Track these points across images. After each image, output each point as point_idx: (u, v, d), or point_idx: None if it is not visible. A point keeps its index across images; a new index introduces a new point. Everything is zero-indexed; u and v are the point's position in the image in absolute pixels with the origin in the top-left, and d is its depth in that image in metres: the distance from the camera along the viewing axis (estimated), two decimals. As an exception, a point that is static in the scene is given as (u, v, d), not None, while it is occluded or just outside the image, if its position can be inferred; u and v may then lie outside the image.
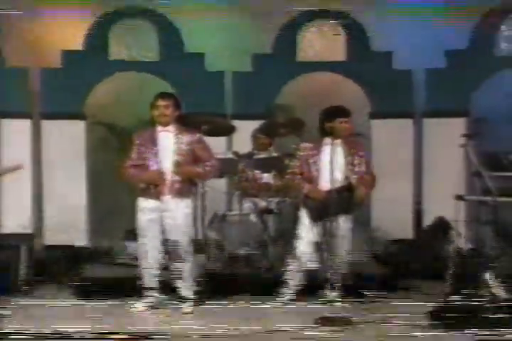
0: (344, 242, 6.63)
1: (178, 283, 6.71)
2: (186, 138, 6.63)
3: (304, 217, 6.70)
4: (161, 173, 6.52)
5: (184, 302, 6.67)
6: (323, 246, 6.71)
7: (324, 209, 6.53)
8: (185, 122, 7.93)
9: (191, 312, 6.59)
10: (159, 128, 6.64)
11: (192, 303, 6.67)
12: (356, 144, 6.78)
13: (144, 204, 6.60)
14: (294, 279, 6.80)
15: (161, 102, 6.59)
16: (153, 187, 6.54)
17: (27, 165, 8.13)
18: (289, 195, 7.76)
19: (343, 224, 6.60)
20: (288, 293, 6.82)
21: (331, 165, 6.46)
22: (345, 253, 6.65)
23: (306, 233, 6.70)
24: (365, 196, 6.75)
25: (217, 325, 6.08)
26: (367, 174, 6.70)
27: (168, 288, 6.76)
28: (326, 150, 6.62)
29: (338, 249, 6.59)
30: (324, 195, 6.57)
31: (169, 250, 6.70)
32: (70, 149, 8.76)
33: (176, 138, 6.61)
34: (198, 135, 6.78)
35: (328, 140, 6.63)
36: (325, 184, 6.60)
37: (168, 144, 6.61)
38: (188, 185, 6.65)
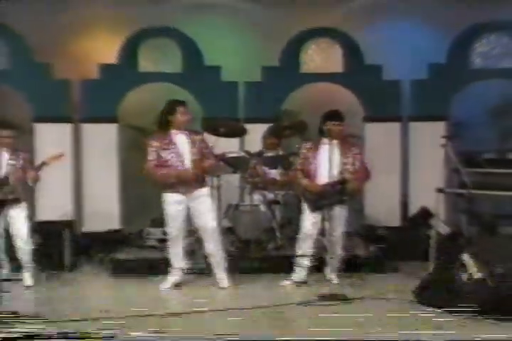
0: (339, 228, 6.64)
1: (212, 262, 6.75)
2: (196, 138, 6.67)
3: (305, 208, 6.72)
4: (188, 170, 6.54)
5: (220, 279, 6.72)
6: (323, 233, 6.73)
7: (321, 200, 6.57)
8: (204, 125, 8.06)
9: (227, 287, 6.65)
10: (174, 131, 6.63)
11: (226, 279, 6.70)
12: (351, 144, 6.79)
13: (171, 197, 6.60)
14: (301, 261, 6.79)
15: (183, 109, 6.61)
16: (181, 183, 6.54)
17: (68, 163, 8.18)
18: (292, 188, 7.85)
19: (339, 213, 6.60)
20: (297, 272, 6.82)
21: (328, 163, 6.51)
22: (340, 238, 6.66)
23: (308, 221, 6.72)
24: (357, 189, 6.74)
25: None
26: (361, 169, 6.68)
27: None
28: (324, 149, 6.62)
29: (334, 235, 6.61)
30: (320, 188, 6.59)
31: (200, 233, 6.75)
32: (105, 148, 8.74)
33: (188, 138, 6.63)
34: (201, 135, 6.82)
35: (326, 140, 6.64)
36: (323, 179, 6.61)
37: (185, 144, 6.61)
38: (202, 177, 6.68)
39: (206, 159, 6.69)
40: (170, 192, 6.62)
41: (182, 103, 6.71)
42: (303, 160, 6.78)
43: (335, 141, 6.62)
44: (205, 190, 6.70)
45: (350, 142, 6.81)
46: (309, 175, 6.71)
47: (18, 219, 6.82)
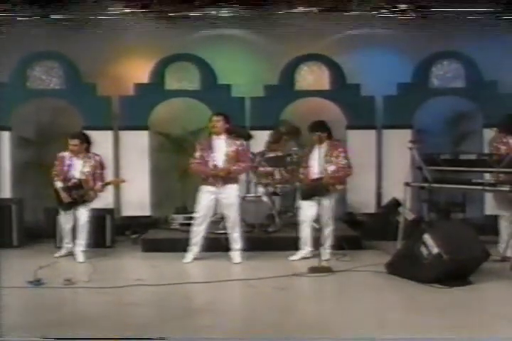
0: (326, 215, 6.63)
1: (231, 242, 6.76)
2: (234, 143, 6.67)
3: (299, 197, 6.81)
4: (215, 169, 6.56)
5: (234, 255, 6.73)
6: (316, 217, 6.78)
7: (308, 192, 6.68)
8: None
9: (240, 262, 6.67)
10: (214, 136, 6.66)
11: (240, 256, 6.72)
12: (337, 146, 6.77)
13: (205, 189, 6.62)
14: (302, 241, 6.80)
15: (214, 118, 6.65)
16: (211, 178, 6.59)
17: (109, 162, 8.12)
18: (289, 182, 7.85)
19: (325, 203, 6.60)
20: (299, 250, 6.80)
21: (316, 162, 6.63)
22: (328, 222, 6.65)
23: (302, 209, 6.76)
24: (333, 184, 6.62)
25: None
26: (343, 167, 6.66)
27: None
28: (315, 152, 6.72)
29: (323, 220, 6.64)
30: (309, 182, 6.68)
31: (224, 220, 6.78)
32: (139, 151, 8.77)
33: (226, 143, 6.65)
34: (241, 141, 6.81)
35: (315, 145, 6.76)
36: (313, 175, 6.69)
37: (221, 148, 6.62)
38: (233, 176, 6.65)
39: (241, 161, 6.67)
40: (204, 185, 6.64)
41: (215, 113, 6.79)
42: (304, 159, 6.87)
43: (322, 145, 6.68)
44: (233, 186, 6.66)
45: (335, 144, 6.79)
46: (306, 171, 6.79)
47: (83, 215, 6.92)
